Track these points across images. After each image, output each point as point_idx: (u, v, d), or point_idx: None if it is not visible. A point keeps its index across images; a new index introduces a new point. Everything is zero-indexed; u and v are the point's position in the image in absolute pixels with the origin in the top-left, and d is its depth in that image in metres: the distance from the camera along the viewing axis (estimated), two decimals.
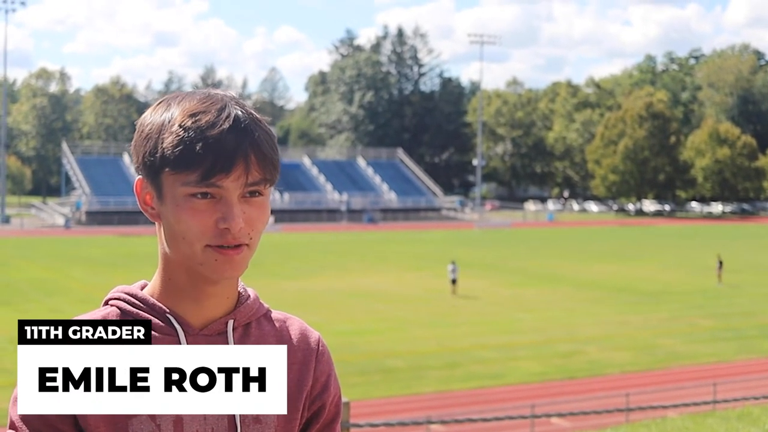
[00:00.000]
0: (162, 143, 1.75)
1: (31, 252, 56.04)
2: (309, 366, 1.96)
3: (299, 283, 40.36)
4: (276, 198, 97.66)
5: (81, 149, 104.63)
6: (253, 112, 1.82)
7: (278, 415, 1.87)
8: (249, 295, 1.97)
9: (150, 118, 1.81)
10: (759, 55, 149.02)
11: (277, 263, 48.95)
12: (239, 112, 1.78)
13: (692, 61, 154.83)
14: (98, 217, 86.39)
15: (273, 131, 1.85)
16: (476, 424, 18.25)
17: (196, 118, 1.74)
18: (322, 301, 35.12)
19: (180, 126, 1.74)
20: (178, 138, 1.73)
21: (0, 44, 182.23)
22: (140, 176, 1.83)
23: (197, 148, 1.72)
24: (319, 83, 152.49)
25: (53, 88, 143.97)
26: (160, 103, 1.84)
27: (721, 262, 43.15)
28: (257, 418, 1.85)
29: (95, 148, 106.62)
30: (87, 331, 1.78)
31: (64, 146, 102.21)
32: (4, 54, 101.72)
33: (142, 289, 1.92)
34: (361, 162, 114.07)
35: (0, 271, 44.61)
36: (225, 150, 1.72)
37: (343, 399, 4.47)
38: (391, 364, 24.71)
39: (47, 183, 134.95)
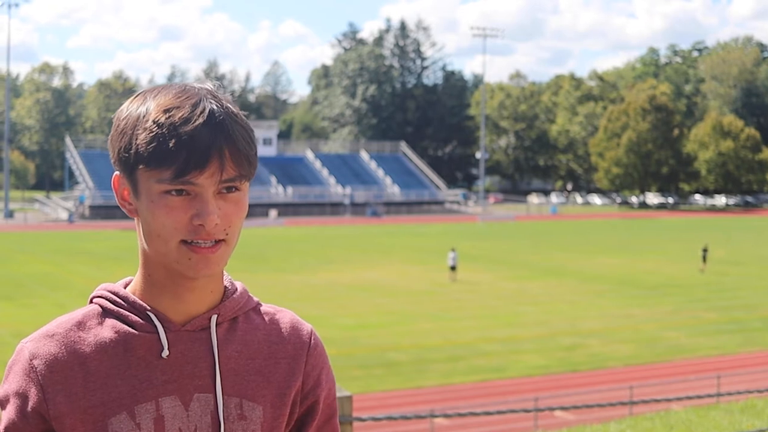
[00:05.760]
0: (136, 139, 1.72)
1: (34, 246, 56.10)
2: (299, 360, 1.92)
3: (303, 277, 40.37)
4: (279, 192, 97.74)
5: (84, 143, 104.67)
6: (229, 105, 1.78)
7: (264, 411, 1.85)
8: (236, 289, 1.92)
9: (126, 112, 1.78)
10: (762, 47, 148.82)
11: (280, 257, 48.98)
12: (214, 107, 1.74)
13: (695, 54, 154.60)
14: (101, 212, 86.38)
15: (250, 125, 1.81)
16: (480, 418, 18.25)
17: (170, 113, 1.71)
18: (326, 295, 35.13)
19: (153, 122, 1.71)
20: (151, 134, 1.70)
21: (3, 39, 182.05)
22: (117, 171, 1.81)
23: (170, 144, 1.69)
24: (322, 77, 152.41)
25: (56, 82, 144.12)
26: (136, 96, 1.81)
27: (705, 250, 43.67)
28: (242, 415, 1.82)
29: (98, 143, 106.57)
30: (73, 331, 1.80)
31: (68, 140, 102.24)
32: (8, 48, 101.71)
33: (126, 286, 1.90)
34: (364, 155, 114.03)
35: (3, 265, 44.67)
36: (198, 146, 1.69)
37: (346, 393, 4.47)
38: (394, 357, 24.72)
39: (50, 177, 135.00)
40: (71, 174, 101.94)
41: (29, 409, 1.76)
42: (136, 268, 1.91)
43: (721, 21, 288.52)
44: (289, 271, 42.72)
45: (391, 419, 5.95)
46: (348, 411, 4.45)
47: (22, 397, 1.76)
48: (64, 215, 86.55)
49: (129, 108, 1.78)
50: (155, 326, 1.80)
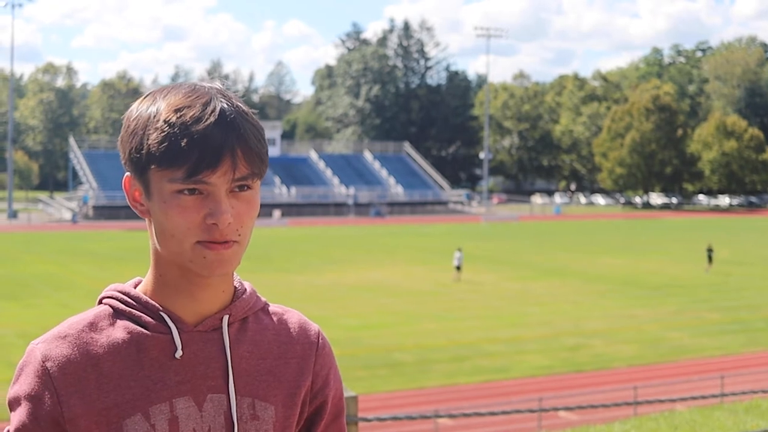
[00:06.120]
0: (147, 139, 1.72)
1: (38, 247, 56.14)
2: (308, 360, 1.94)
3: (306, 277, 40.37)
4: (283, 192, 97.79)
5: (88, 144, 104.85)
6: (239, 104, 1.78)
7: (276, 411, 1.86)
8: (245, 289, 1.93)
9: (136, 112, 1.78)
10: (766, 47, 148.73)
11: (284, 257, 48.99)
12: (225, 105, 1.74)
13: (699, 54, 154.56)
14: (105, 212, 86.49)
15: (260, 123, 1.81)
16: (484, 418, 18.24)
17: (181, 113, 1.71)
18: (329, 295, 35.13)
19: (165, 121, 1.71)
20: (163, 134, 1.70)
21: (7, 39, 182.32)
22: (128, 172, 1.81)
23: (182, 144, 1.69)
24: (326, 77, 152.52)
25: (60, 82, 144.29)
26: (146, 97, 1.81)
27: (710, 250, 43.98)
28: (255, 415, 1.83)
29: (102, 143, 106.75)
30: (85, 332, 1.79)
31: (71, 141, 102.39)
32: (12, 49, 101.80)
33: (136, 286, 1.89)
34: (368, 156, 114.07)
35: (8, 265, 44.70)
36: (211, 145, 1.69)
37: (351, 393, 4.47)
38: (398, 358, 24.71)
39: (54, 178, 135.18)
40: (75, 174, 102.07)
41: (42, 412, 1.74)
42: (140, 268, 1.90)
43: (725, 21, 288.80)
44: (292, 271, 42.72)
45: (396, 419, 5.95)
46: (353, 411, 4.45)
47: (35, 399, 1.74)
48: (68, 215, 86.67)
49: (139, 109, 1.78)
50: (168, 327, 1.80)
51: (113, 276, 36.85)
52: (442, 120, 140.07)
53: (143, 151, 1.73)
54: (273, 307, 1.98)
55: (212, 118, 1.71)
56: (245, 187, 1.76)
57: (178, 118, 1.71)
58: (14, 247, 55.01)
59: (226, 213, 1.71)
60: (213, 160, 1.69)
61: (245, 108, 1.79)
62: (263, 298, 1.97)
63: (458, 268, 39.71)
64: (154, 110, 1.75)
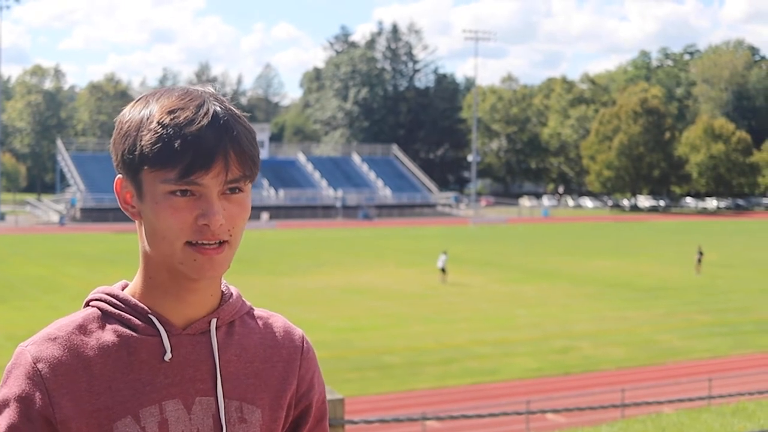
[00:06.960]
0: (140, 141, 1.73)
1: (26, 249, 55.98)
2: (294, 364, 1.95)
3: (295, 280, 40.34)
4: (271, 194, 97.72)
5: (76, 146, 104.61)
6: (231, 107, 1.79)
7: (263, 414, 1.86)
8: (232, 293, 1.94)
9: (128, 115, 1.79)
10: (754, 50, 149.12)
11: (272, 260, 48.93)
12: (218, 108, 1.75)
13: (687, 57, 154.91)
14: (93, 214, 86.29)
15: (252, 126, 1.82)
16: (471, 420, 18.26)
17: (175, 114, 1.72)
18: (318, 298, 35.11)
19: (158, 123, 1.72)
20: (156, 135, 1.71)
21: None
22: (120, 174, 1.81)
23: (176, 145, 1.70)
24: (314, 79, 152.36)
25: (48, 84, 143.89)
26: (138, 100, 1.82)
27: (701, 253, 44.15)
28: (242, 418, 1.84)
29: (90, 145, 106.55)
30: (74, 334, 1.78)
31: (59, 143, 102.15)
32: None
33: (123, 288, 1.89)
34: (356, 158, 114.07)
35: None
36: (204, 147, 1.70)
37: (338, 396, 4.48)
38: (387, 360, 24.71)
39: (42, 180, 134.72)
40: (62, 176, 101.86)
41: (34, 412, 1.73)
42: (129, 270, 1.91)
43: (713, 24, 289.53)
44: (281, 274, 42.68)
45: (383, 422, 5.95)
46: (340, 414, 4.45)
47: (26, 401, 1.73)
48: (56, 218, 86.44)
49: (131, 111, 1.79)
50: (157, 329, 1.80)
51: (102, 278, 36.76)
52: (430, 123, 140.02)
53: (136, 152, 1.74)
54: (258, 311, 1.99)
55: (205, 120, 1.72)
56: (237, 190, 1.76)
57: (171, 119, 1.72)
58: (2, 250, 54.84)
59: (218, 214, 1.72)
60: (206, 161, 1.70)
61: (238, 111, 1.80)
62: (248, 302, 1.98)
63: (443, 270, 39.84)
64: (147, 112, 1.76)
